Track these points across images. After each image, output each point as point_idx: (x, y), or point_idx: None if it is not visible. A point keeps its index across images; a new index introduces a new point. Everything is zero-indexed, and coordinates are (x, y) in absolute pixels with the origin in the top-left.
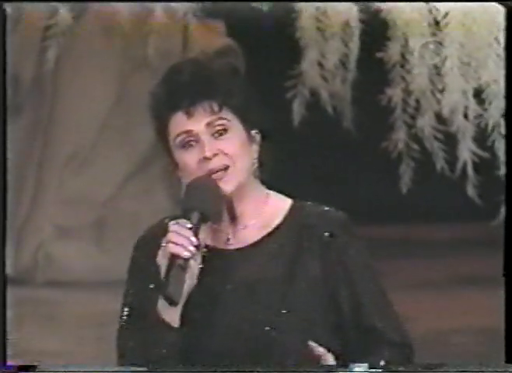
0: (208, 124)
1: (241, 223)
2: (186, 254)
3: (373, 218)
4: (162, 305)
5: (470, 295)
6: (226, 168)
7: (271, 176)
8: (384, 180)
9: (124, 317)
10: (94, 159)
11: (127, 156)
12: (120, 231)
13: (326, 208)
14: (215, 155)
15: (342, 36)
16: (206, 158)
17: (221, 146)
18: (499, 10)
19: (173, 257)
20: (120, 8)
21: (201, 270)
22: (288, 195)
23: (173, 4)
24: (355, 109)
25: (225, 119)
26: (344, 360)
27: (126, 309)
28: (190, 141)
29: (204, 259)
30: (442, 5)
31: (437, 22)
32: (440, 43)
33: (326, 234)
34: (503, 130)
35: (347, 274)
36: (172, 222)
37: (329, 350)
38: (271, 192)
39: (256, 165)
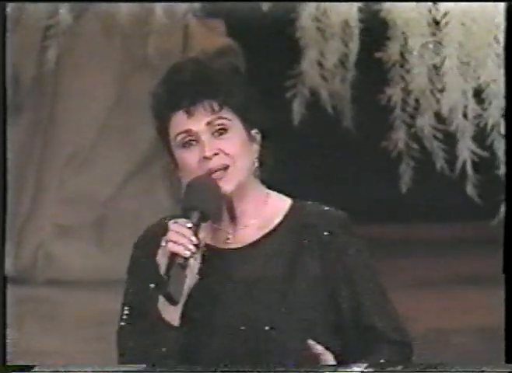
0: (209, 124)
1: (241, 222)
2: (186, 253)
3: (373, 218)
4: (162, 304)
5: (470, 295)
6: (226, 167)
7: (271, 175)
8: (383, 180)
9: (125, 316)
10: (94, 159)
11: (127, 156)
12: (120, 230)
13: (326, 208)
14: (215, 154)
15: (342, 36)
16: (206, 158)
17: (221, 145)
18: (499, 10)
19: (173, 256)
20: (120, 8)
21: (201, 269)
22: (288, 194)
23: (173, 4)
24: (354, 108)
25: (225, 118)
26: (344, 359)
27: (126, 308)
28: (190, 140)
29: (204, 259)
30: (441, 4)
31: (437, 22)
32: (440, 43)
33: (326, 233)
34: (502, 130)
35: (347, 274)
36: (172, 221)
37: (328, 349)
38: (270, 191)
39: (256, 164)
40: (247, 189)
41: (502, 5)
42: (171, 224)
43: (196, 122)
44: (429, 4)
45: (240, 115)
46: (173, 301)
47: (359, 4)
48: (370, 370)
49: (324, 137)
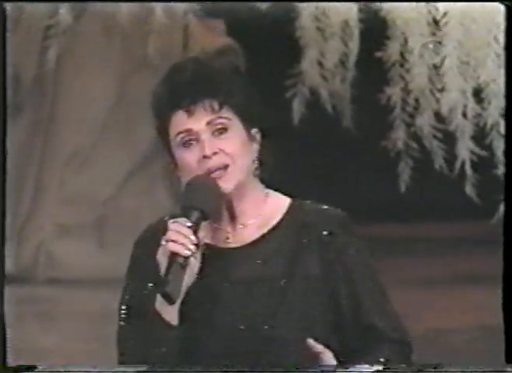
0: (209, 123)
1: (240, 222)
2: (186, 252)
3: (372, 217)
4: (160, 303)
5: (469, 294)
6: (226, 167)
7: (270, 174)
8: (382, 179)
9: (124, 315)
10: (95, 158)
11: (127, 155)
12: (120, 230)
13: (325, 207)
14: (215, 153)
15: (342, 36)
16: (206, 157)
17: (221, 145)
18: (498, 9)
19: (173, 255)
20: (120, 8)
21: (201, 269)
22: (287, 194)
23: (173, 4)
24: (354, 108)
25: (225, 118)
26: (343, 358)
27: (125, 307)
28: (190, 139)
29: (203, 258)
30: (441, 4)
31: (436, 22)
32: (439, 43)
33: (325, 232)
34: (501, 130)
35: (346, 273)
36: (171, 221)
37: (328, 348)
38: (270, 191)
39: (256, 164)
40: (246, 188)
41: (501, 5)
42: (171, 224)
43: (196, 121)
44: (429, 4)
45: (240, 114)
46: (170, 301)
47: (359, 3)
48: (372, 370)
49: (324, 137)
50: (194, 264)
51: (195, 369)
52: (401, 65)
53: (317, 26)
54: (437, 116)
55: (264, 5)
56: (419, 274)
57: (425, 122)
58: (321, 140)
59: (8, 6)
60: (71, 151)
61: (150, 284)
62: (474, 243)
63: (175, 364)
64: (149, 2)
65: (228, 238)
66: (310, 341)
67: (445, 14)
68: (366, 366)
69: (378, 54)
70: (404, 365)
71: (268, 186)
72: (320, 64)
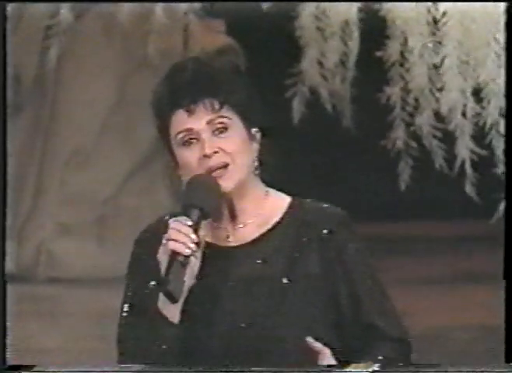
0: (209, 122)
1: (241, 221)
2: (186, 251)
3: (372, 216)
4: (162, 301)
5: (469, 292)
6: (226, 166)
7: (271, 174)
8: (382, 178)
9: (125, 313)
10: (95, 158)
11: (127, 155)
12: (121, 229)
13: (325, 205)
14: (216, 152)
15: (342, 35)
16: (206, 156)
17: (221, 144)
18: (498, 9)
19: (174, 254)
20: (120, 8)
21: (202, 267)
22: (287, 193)
23: (173, 3)
24: (354, 107)
25: (225, 117)
26: (343, 356)
27: (126, 306)
28: (190, 138)
29: (204, 256)
30: (441, 4)
31: (436, 21)
32: (439, 42)
33: (325, 231)
34: (501, 129)
35: (346, 271)
36: (172, 219)
37: (328, 347)
38: (270, 189)
39: (256, 163)
40: (246, 187)
41: (501, 5)
42: (171, 223)
43: (197, 120)
44: (429, 3)
45: (241, 113)
46: (173, 299)
47: (359, 3)
48: (373, 370)
49: (324, 136)
50: (195, 263)
51: (195, 368)
52: (401, 65)
53: (317, 26)
54: (437, 115)
55: (264, 5)
56: (419, 273)
57: (424, 121)
58: (321, 139)
59: (8, 6)
60: (72, 150)
61: (152, 283)
62: (474, 242)
63: (175, 362)
64: (149, 2)
65: (228, 237)
66: (310, 340)
67: (445, 14)
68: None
69: (378, 54)
70: (403, 363)
71: (268, 185)
72: (320, 63)
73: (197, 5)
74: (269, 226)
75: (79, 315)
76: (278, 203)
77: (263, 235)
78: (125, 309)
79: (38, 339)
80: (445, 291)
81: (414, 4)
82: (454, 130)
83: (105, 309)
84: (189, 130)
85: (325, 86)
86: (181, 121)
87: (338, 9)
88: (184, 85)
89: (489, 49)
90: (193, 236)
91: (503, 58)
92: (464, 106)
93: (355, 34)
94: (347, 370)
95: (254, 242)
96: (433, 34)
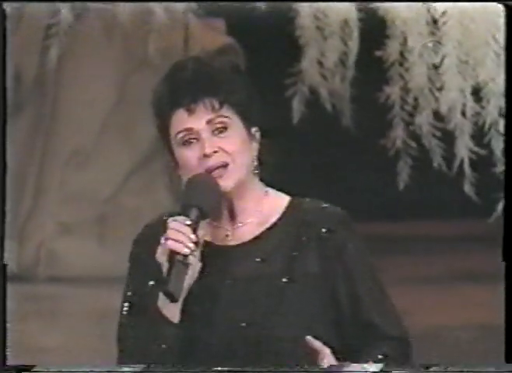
0: (209, 122)
1: (240, 220)
2: (185, 251)
3: (371, 215)
4: (162, 301)
5: (468, 292)
6: (226, 165)
7: (270, 173)
8: (382, 177)
9: (124, 313)
10: (95, 157)
11: (128, 154)
12: (121, 228)
13: (324, 205)
14: (215, 152)
15: (341, 35)
16: (206, 156)
17: (221, 143)
18: (497, 9)
19: (173, 254)
20: (120, 8)
21: (201, 267)
22: (287, 192)
23: (173, 3)
24: (354, 106)
25: (225, 116)
26: (342, 355)
27: (126, 305)
28: (190, 138)
29: (203, 256)
30: (440, 3)
31: (435, 21)
32: (439, 42)
33: (324, 230)
34: (500, 128)
35: (346, 270)
36: (171, 219)
37: (327, 345)
38: (269, 189)
39: (255, 162)
40: (246, 187)
41: (501, 4)
42: (170, 222)
43: (197, 120)
44: (428, 3)
45: (240, 113)
46: (173, 299)
47: (359, 3)
48: (373, 370)
49: (324, 136)
50: (195, 262)
51: (195, 368)
52: (401, 64)
53: (317, 26)
54: (436, 115)
55: (264, 5)
56: (418, 273)
57: (424, 121)
58: (321, 139)
59: (8, 6)
60: (72, 150)
61: (151, 282)
62: (472, 241)
63: (175, 361)
64: (149, 2)
65: (227, 237)
66: (309, 338)
67: (444, 13)
68: (365, 366)
69: (377, 53)
70: (402, 362)
71: (268, 184)
72: (319, 63)
73: (197, 4)
74: (268, 225)
75: (80, 314)
76: (277, 203)
77: (262, 234)
78: (125, 308)
79: (38, 338)
80: (444, 291)
81: (413, 3)
82: (453, 129)
83: (105, 308)
84: (189, 129)
85: (325, 86)
86: (181, 121)
87: (337, 9)
88: (184, 85)
89: (488, 48)
90: (192, 236)
91: (502, 58)
92: (464, 105)
93: (355, 34)
94: (347, 370)
95: (254, 241)
96: (433, 34)
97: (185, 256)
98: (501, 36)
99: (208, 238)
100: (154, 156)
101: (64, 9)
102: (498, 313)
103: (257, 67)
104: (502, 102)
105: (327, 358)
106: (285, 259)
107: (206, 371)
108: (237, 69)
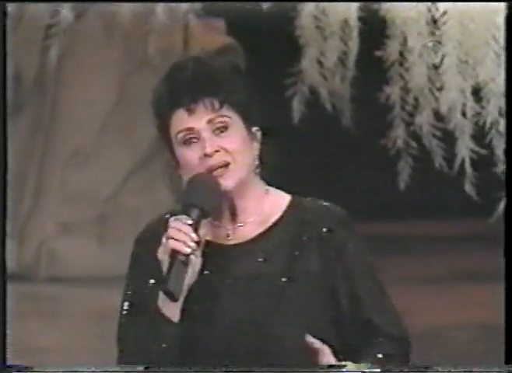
0: (209, 121)
1: (241, 219)
2: (187, 250)
3: (372, 215)
4: (162, 300)
5: (469, 292)
6: (227, 164)
7: (271, 172)
8: (382, 177)
9: (125, 312)
10: (95, 157)
11: (128, 154)
12: (121, 227)
13: (325, 204)
14: (216, 151)
15: (341, 35)
16: (207, 155)
17: (222, 143)
18: (497, 9)
19: (174, 253)
20: (121, 8)
21: (202, 266)
22: (287, 191)
23: (173, 3)
24: (354, 106)
25: (226, 116)
26: (342, 354)
27: (126, 304)
28: (191, 138)
29: (204, 255)
30: (440, 3)
31: (435, 21)
32: (439, 42)
33: (324, 229)
34: (500, 128)
35: (346, 270)
36: (172, 218)
37: (327, 344)
38: (270, 188)
39: (256, 161)
40: (247, 186)
41: (501, 4)
42: (171, 222)
43: (197, 120)
44: (428, 3)
45: (241, 113)
46: (173, 298)
47: (358, 3)
48: (373, 370)
49: (324, 135)
50: (196, 262)
51: (195, 368)
52: (401, 64)
53: (317, 25)
54: (436, 114)
55: (264, 5)
56: (419, 272)
57: (424, 121)
58: (321, 138)
59: (8, 6)
60: (72, 150)
61: (152, 281)
62: (473, 241)
63: (175, 361)
64: (149, 2)
65: (228, 236)
66: (309, 337)
67: (444, 13)
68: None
69: (378, 53)
70: (402, 362)
71: (269, 183)
72: (319, 63)
73: (197, 4)
74: (269, 224)
75: (80, 314)
76: (278, 202)
77: (263, 234)
78: (125, 308)
79: (38, 338)
80: (444, 291)
81: (413, 3)
82: (453, 129)
83: (105, 308)
84: (189, 129)
85: (325, 85)
86: (182, 120)
87: (337, 9)
88: (185, 85)
89: (488, 48)
90: (193, 235)
91: (502, 58)
92: (464, 105)
93: (355, 34)
94: (347, 370)
95: (254, 240)
96: (433, 34)
97: (186, 255)
98: (501, 36)
99: (209, 238)
100: (154, 156)
101: (64, 9)
102: (498, 313)
103: (257, 67)
104: (502, 101)
105: (327, 357)
106: (285, 258)
107: (206, 371)
108: (237, 69)
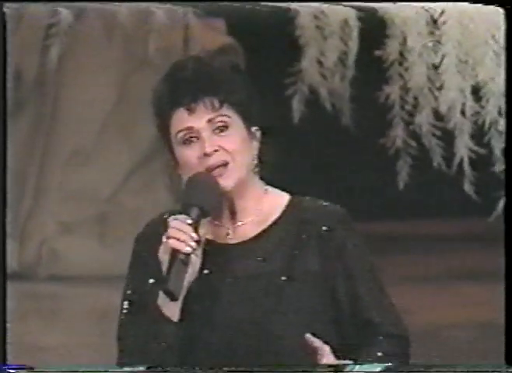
0: (209, 121)
1: (240, 218)
2: (187, 249)
3: (371, 214)
4: (162, 299)
5: (468, 291)
6: (226, 164)
7: (270, 172)
8: (381, 176)
9: (125, 311)
10: (96, 156)
11: (128, 153)
12: (122, 227)
13: (324, 203)
14: (216, 151)
15: (341, 35)
16: (206, 155)
17: (221, 142)
18: (496, 9)
19: (174, 252)
20: (121, 8)
21: (202, 265)
22: (287, 191)
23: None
24: (353, 106)
25: (225, 115)
26: (342, 353)
27: (126, 303)
28: (191, 137)
29: (204, 254)
30: (439, 3)
31: (435, 21)
32: (438, 42)
33: (324, 228)
34: (499, 127)
35: (345, 269)
36: (172, 218)
37: (327, 343)
38: (269, 187)
39: (256, 161)
40: (246, 185)
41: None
42: (171, 221)
43: (197, 119)
44: (428, 3)
45: (241, 112)
46: (173, 297)
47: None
48: (373, 370)
49: (323, 135)
50: (196, 261)
51: (195, 367)
52: (400, 64)
53: (317, 25)
54: (436, 114)
55: (264, 5)
56: (418, 271)
57: (423, 120)
58: (321, 138)
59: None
60: (72, 149)
61: (151, 280)
62: (472, 240)
63: (175, 360)
64: (149, 2)
65: (228, 235)
66: (309, 337)
67: (443, 13)
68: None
69: (377, 53)
70: (402, 361)
71: (268, 183)
72: (319, 62)
73: (197, 4)
74: (269, 223)
75: (80, 313)
76: (277, 201)
77: (263, 233)
78: (125, 307)
79: (39, 337)
80: (444, 290)
81: (413, 3)
82: (452, 128)
83: (105, 307)
84: (189, 128)
85: (325, 85)
86: (181, 120)
87: (337, 9)
88: (185, 84)
89: (487, 48)
90: (193, 234)
91: (502, 57)
92: (463, 104)
93: (355, 33)
94: (347, 370)
95: (254, 239)
96: (432, 33)
97: (187, 254)
98: (500, 36)
99: (208, 237)
100: (154, 156)
101: (64, 9)
102: (498, 312)
103: (257, 67)
104: (501, 101)
105: (327, 356)
106: (285, 257)
107: (206, 370)
108: (237, 69)
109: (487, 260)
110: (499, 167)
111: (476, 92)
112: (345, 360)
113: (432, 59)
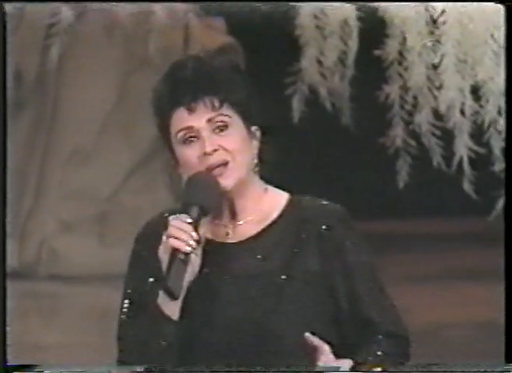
0: (209, 120)
1: (240, 218)
2: (187, 248)
3: (371, 213)
4: (162, 298)
5: (468, 290)
6: (226, 163)
7: (270, 171)
8: (381, 176)
9: (125, 310)
10: (96, 156)
11: (128, 153)
12: (122, 226)
13: (323, 202)
14: (216, 150)
15: (341, 34)
16: (206, 154)
17: (221, 142)
18: (496, 8)
19: (174, 251)
20: (121, 7)
21: (202, 264)
22: (287, 190)
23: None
24: (353, 105)
25: (225, 115)
26: (341, 352)
27: (126, 302)
28: (191, 136)
29: (204, 253)
30: (439, 3)
31: (434, 21)
32: (438, 41)
33: (324, 227)
34: (499, 127)
35: (345, 267)
36: (172, 217)
37: (326, 342)
38: (269, 186)
39: (255, 160)
40: (246, 185)
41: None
42: (172, 220)
43: (197, 119)
44: (428, 3)
45: (240, 112)
46: (173, 296)
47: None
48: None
49: (323, 134)
50: (196, 260)
51: (195, 366)
52: (400, 63)
53: (317, 25)
54: (435, 113)
55: (264, 5)
56: (418, 271)
57: (423, 119)
58: (320, 137)
59: (8, 6)
60: (73, 148)
61: (151, 279)
62: (472, 239)
63: (175, 359)
64: (149, 2)
65: (228, 234)
66: (308, 335)
67: (442, 13)
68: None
69: (377, 53)
70: (401, 361)
71: (268, 182)
72: (319, 62)
73: (197, 4)
74: (268, 222)
75: (80, 312)
76: (277, 200)
77: (262, 232)
78: (125, 306)
79: (39, 336)
80: (444, 289)
81: (413, 3)
82: (452, 128)
83: (106, 307)
84: (189, 128)
85: (324, 84)
86: (182, 119)
87: (336, 8)
88: (185, 84)
89: (487, 47)
90: (193, 234)
91: (501, 57)
92: (463, 104)
93: (354, 33)
94: (346, 370)
95: (254, 238)
96: (432, 33)
97: (186, 253)
98: (500, 35)
99: (208, 236)
100: (154, 155)
101: (65, 9)
102: (498, 312)
103: (257, 67)
104: (501, 100)
105: (326, 355)
106: (284, 256)
107: (206, 369)
108: (237, 68)
109: (487, 260)
110: (499, 166)
111: (476, 91)
112: (344, 358)
113: (431, 59)
